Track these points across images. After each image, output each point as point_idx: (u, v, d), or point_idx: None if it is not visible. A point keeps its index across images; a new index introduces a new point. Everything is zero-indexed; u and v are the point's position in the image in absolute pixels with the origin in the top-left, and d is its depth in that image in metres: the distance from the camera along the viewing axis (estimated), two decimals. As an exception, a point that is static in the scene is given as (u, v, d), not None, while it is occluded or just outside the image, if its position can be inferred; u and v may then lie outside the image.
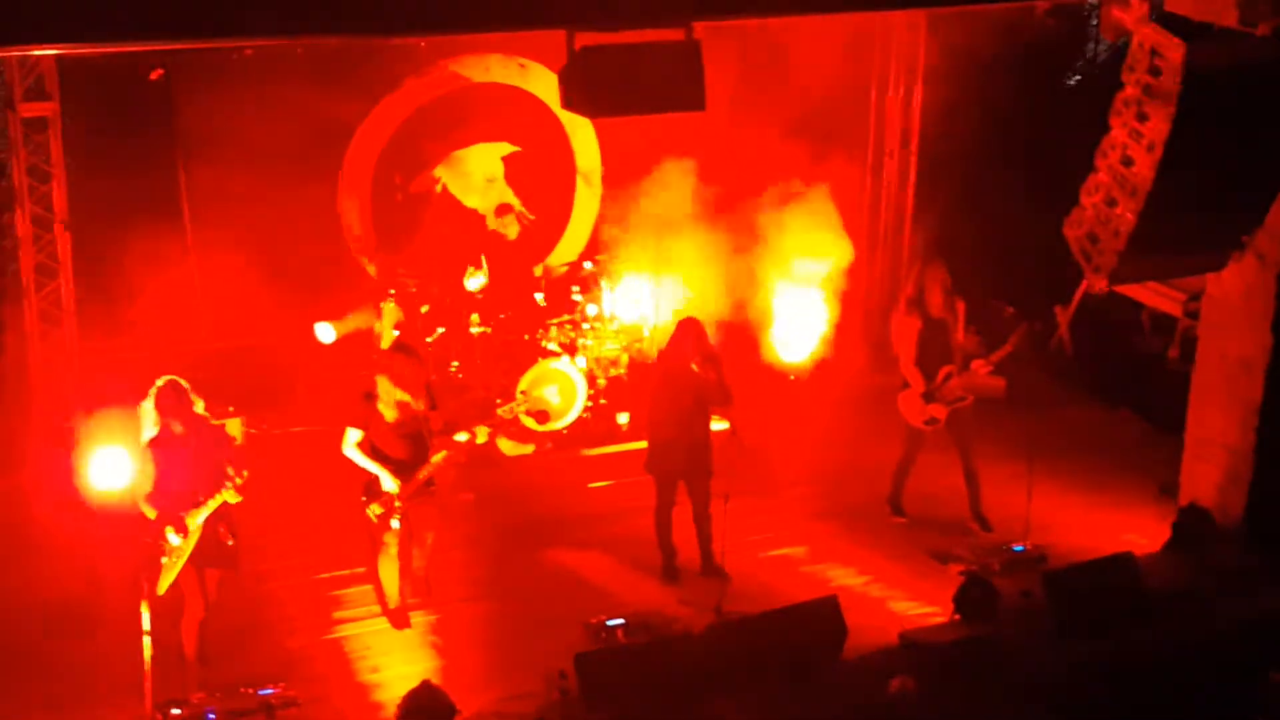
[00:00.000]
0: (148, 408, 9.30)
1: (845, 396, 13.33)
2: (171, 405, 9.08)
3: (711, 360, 10.41)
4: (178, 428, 9.07)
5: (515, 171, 14.23)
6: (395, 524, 9.86)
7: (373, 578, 10.32)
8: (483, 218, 14.15)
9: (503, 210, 13.40)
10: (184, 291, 13.05)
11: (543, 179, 14.36)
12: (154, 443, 9.11)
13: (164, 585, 8.93)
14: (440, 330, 13.02)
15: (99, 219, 12.39)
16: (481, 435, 10.11)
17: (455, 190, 14.10)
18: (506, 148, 14.18)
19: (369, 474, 9.85)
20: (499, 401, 10.87)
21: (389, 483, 9.81)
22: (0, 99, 12.24)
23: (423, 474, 9.90)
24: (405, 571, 10.21)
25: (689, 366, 10.33)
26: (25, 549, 10.78)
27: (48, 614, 9.96)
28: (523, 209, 13.90)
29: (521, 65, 13.89)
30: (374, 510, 9.84)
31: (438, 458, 9.94)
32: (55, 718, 8.92)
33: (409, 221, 13.90)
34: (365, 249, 13.76)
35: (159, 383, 9.17)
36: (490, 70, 13.88)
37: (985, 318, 11.44)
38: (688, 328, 10.49)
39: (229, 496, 9.04)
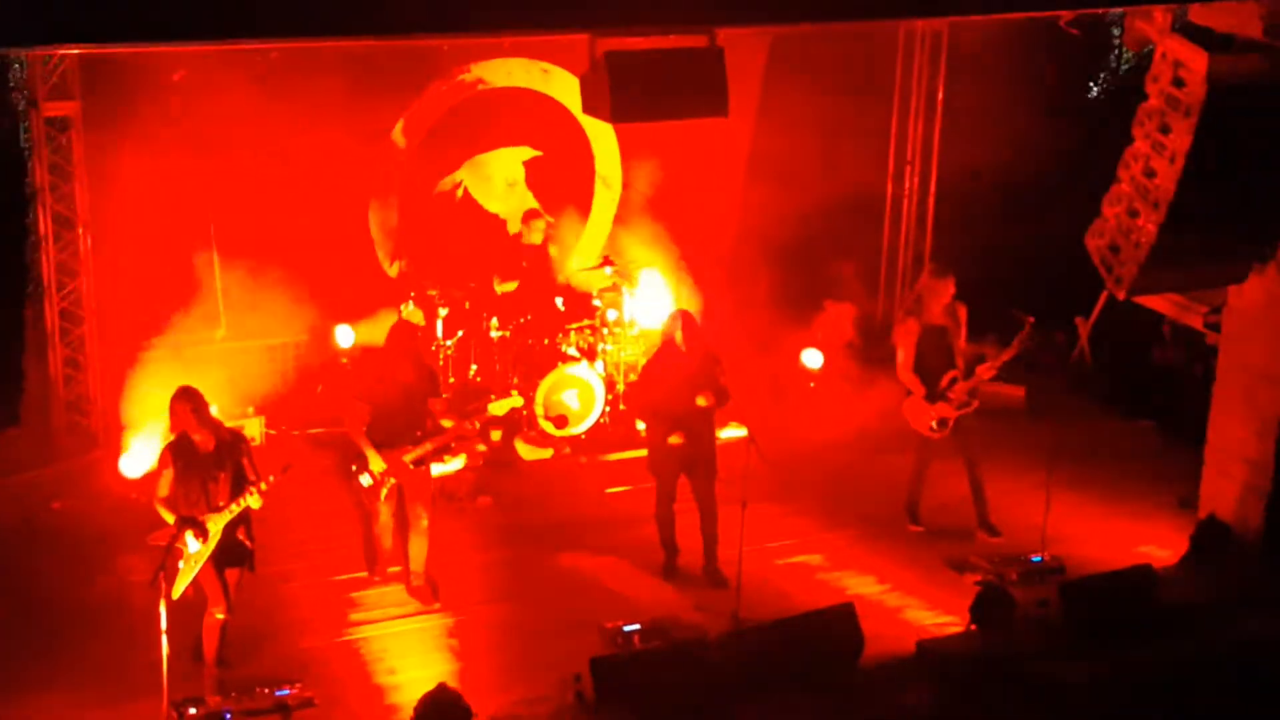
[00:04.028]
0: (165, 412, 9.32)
1: (863, 404, 13.30)
2: (187, 411, 9.08)
3: (709, 355, 10.46)
4: (195, 434, 9.07)
5: (536, 176, 14.26)
6: (383, 495, 10.12)
7: (365, 543, 10.58)
8: (504, 222, 14.17)
9: (530, 216, 13.40)
10: (206, 291, 13.09)
11: (563, 183, 14.39)
12: (172, 447, 9.11)
13: (179, 589, 8.92)
14: (459, 334, 13.05)
15: (120, 218, 12.43)
16: (470, 426, 10.30)
17: (476, 194, 14.13)
18: (528, 152, 14.21)
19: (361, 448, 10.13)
20: (493, 396, 10.93)
21: (375, 462, 10.05)
22: (23, 98, 12.30)
23: (409, 456, 10.07)
24: (401, 560, 10.47)
25: (682, 360, 10.39)
26: (47, 546, 10.84)
27: (68, 612, 10.00)
28: (544, 213, 13.89)
29: (544, 70, 13.92)
30: (364, 479, 10.11)
31: (423, 449, 10.13)
32: (74, 715, 8.94)
33: (432, 225, 13.93)
34: (388, 252, 13.78)
35: (174, 389, 9.18)
36: (513, 74, 13.91)
37: (1002, 326, 11.39)
38: (677, 321, 10.51)
39: (252, 502, 9.04)
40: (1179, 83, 9.44)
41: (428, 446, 10.17)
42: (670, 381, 10.47)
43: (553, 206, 14.19)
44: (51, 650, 9.56)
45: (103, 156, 12.27)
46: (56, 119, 11.90)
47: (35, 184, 12.03)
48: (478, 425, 10.36)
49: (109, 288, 12.42)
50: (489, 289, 13.22)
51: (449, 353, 13.07)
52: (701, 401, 10.38)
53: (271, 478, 9.06)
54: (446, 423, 10.24)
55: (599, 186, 14.62)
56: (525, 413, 12.47)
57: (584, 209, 14.66)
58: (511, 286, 13.09)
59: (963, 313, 11.11)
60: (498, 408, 10.58)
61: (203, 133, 12.63)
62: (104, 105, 12.19)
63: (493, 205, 14.19)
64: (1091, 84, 17.14)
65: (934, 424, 11.15)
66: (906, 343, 11.12)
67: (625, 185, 14.60)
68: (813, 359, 14.06)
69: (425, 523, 10.32)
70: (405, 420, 10.15)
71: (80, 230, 12.16)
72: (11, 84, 12.68)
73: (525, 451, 12.64)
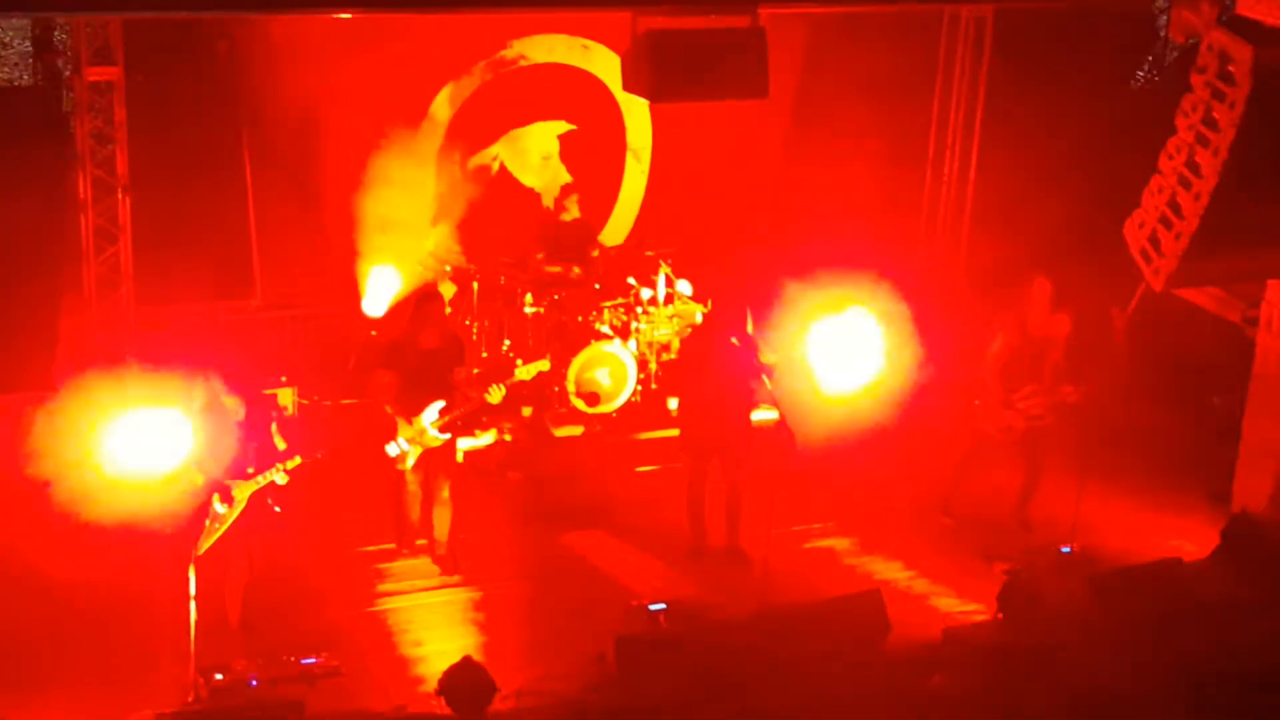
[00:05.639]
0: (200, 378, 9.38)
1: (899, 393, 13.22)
2: (221, 379, 9.17)
3: (749, 341, 10.41)
4: (229, 401, 9.15)
5: (569, 150, 14.22)
6: (410, 463, 10.18)
7: (394, 515, 10.65)
8: (538, 196, 14.16)
9: (567, 191, 13.39)
10: (243, 259, 13.14)
11: (594, 156, 14.35)
12: (205, 411, 9.19)
13: (203, 547, 9.03)
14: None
15: (160, 184, 12.48)
16: (496, 395, 10.21)
17: (513, 169, 14.12)
18: (562, 126, 14.18)
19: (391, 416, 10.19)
20: (519, 361, 10.92)
21: (402, 429, 10.14)
22: (66, 63, 12.35)
23: (435, 424, 10.12)
24: (428, 533, 10.54)
25: (722, 342, 10.32)
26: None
27: (96, 578, 10.05)
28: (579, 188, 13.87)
29: (585, 46, 13.88)
30: (390, 448, 10.18)
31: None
32: (100, 681, 9.00)
33: (468, 199, 13.92)
34: (425, 224, 13.77)
35: (210, 357, 9.28)
36: (554, 50, 13.87)
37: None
38: (727, 303, 10.47)
39: (277, 478, 9.21)
40: (1224, 75, 9.34)
41: (454, 414, 10.19)
42: (709, 363, 10.43)
43: (584, 180, 14.16)
44: (80, 616, 9.64)
45: (143, 122, 12.31)
46: (99, 84, 11.95)
47: (76, 149, 12.09)
48: (504, 391, 10.36)
49: (147, 253, 12.47)
50: (525, 263, 13.22)
51: (483, 327, 13.07)
52: (768, 410, 10.29)
53: (298, 459, 9.15)
54: (472, 391, 10.26)
55: (629, 160, 14.57)
56: (556, 389, 12.47)
57: (615, 183, 14.61)
58: (556, 269, 13.08)
59: (1066, 326, 10.91)
60: (525, 372, 10.60)
61: (244, 102, 12.65)
62: (146, 71, 12.24)
63: (528, 179, 14.17)
64: (1136, 73, 17.00)
65: (1004, 426, 11.04)
66: (1000, 349, 10.93)
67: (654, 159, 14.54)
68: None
69: (447, 493, 10.39)
70: (431, 388, 10.16)
71: (120, 195, 12.22)
72: (55, 49, 12.74)
73: (557, 429, 12.62)
